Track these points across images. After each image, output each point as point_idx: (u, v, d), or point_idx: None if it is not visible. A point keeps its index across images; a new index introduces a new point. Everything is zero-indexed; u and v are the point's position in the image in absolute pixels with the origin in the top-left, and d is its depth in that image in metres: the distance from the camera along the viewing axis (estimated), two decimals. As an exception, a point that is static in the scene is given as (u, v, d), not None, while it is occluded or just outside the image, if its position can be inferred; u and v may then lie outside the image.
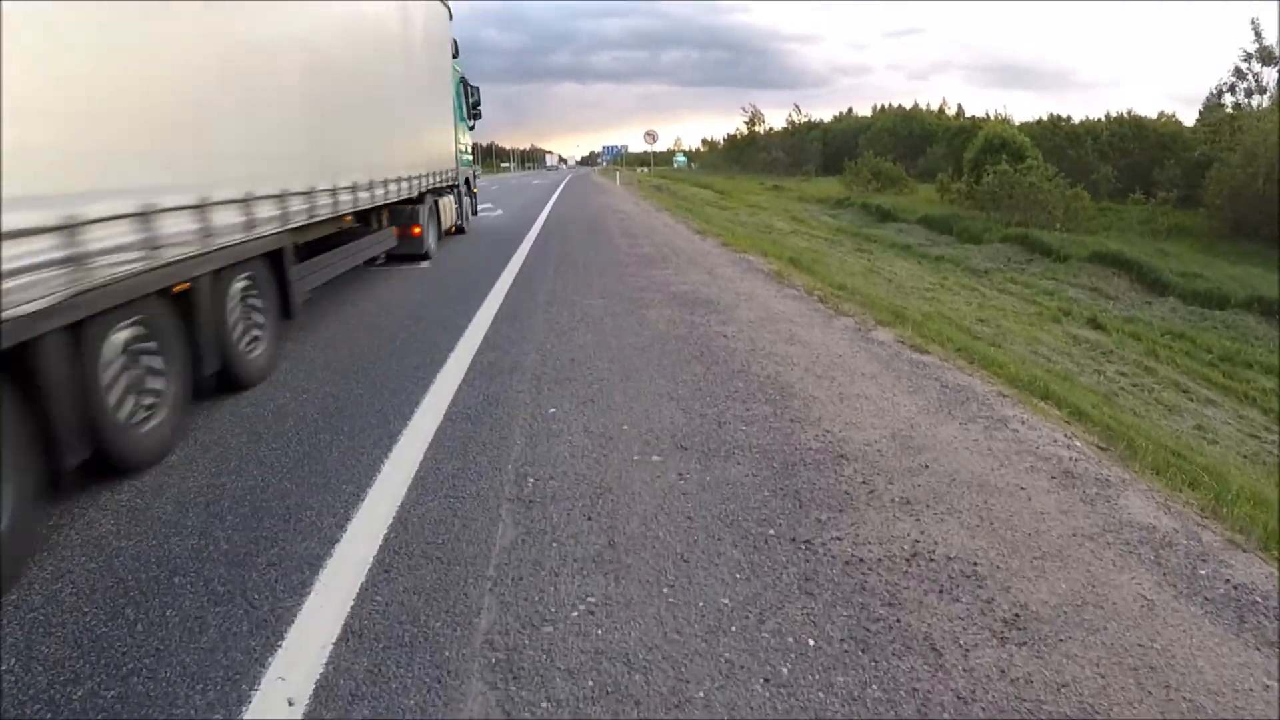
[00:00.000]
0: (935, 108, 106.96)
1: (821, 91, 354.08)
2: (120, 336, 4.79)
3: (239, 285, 6.49)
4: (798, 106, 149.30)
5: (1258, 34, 44.38)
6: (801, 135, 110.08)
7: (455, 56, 17.49)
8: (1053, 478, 4.75)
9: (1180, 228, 41.55)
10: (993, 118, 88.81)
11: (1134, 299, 28.00)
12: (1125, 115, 67.73)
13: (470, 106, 19.82)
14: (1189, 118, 70.06)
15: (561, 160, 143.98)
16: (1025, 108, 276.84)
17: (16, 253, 3.68)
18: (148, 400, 5.03)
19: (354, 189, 9.41)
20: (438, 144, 15.28)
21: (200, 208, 5.56)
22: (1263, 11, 79.56)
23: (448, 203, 16.47)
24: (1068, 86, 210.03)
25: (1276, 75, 44.08)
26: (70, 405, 4.19)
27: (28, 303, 3.77)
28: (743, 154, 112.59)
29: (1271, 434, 14.69)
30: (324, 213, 8.35)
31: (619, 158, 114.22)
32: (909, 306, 17.41)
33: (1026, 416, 5.93)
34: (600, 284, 11.50)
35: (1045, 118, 71.05)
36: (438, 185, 15.03)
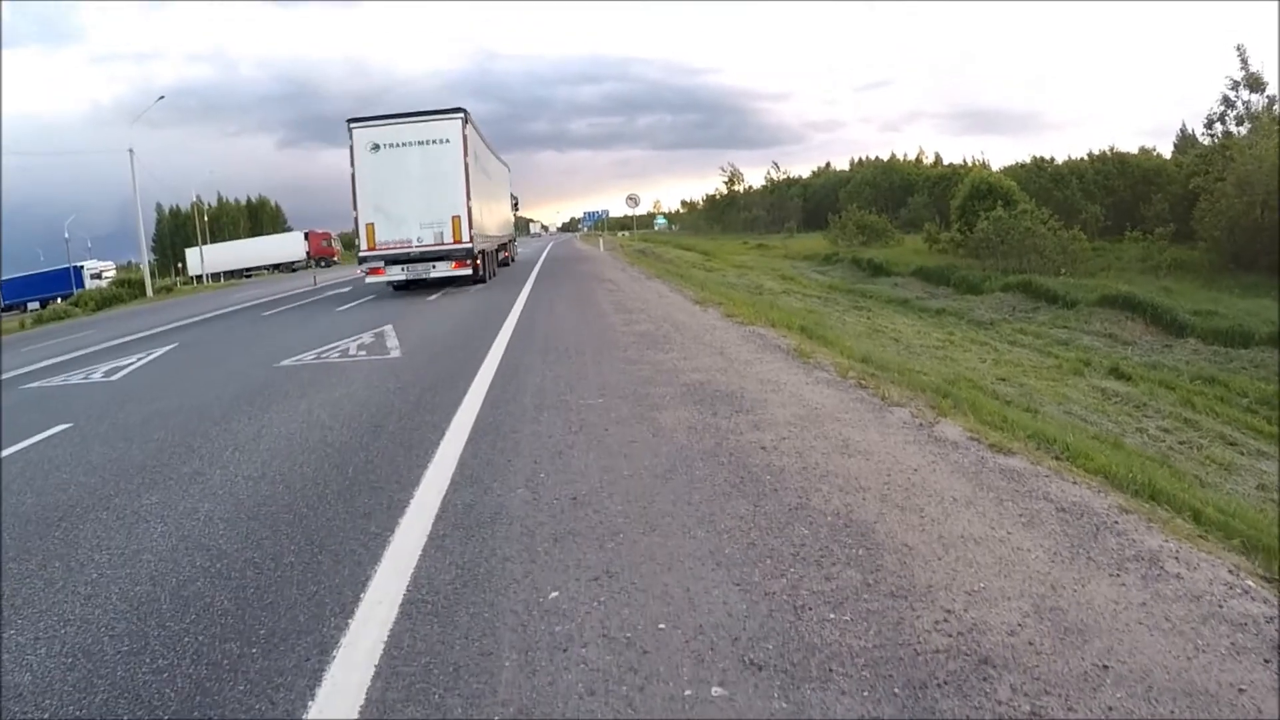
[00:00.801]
0: (912, 157, 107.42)
1: (797, 148, 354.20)
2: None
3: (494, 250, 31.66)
4: (776, 164, 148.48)
5: (1244, 60, 43.23)
6: (781, 192, 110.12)
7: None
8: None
9: (1178, 263, 40.51)
10: (971, 164, 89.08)
11: (1152, 343, 26.61)
12: (1108, 153, 67.50)
13: (514, 205, 42.67)
14: (1164, 151, 69.96)
15: (544, 228, 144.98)
16: (1000, 152, 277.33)
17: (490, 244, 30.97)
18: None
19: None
20: (508, 221, 39.45)
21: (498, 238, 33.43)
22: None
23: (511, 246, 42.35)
24: (1039, 128, 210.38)
25: (1265, 101, 42.83)
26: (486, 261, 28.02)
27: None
28: (723, 214, 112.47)
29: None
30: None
31: (600, 223, 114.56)
32: (927, 369, 16.24)
33: (1170, 546, 4.37)
34: (597, 374, 9.90)
35: (1029, 160, 70.80)
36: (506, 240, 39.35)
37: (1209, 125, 47.62)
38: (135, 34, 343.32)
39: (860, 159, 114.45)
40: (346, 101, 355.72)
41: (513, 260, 43.49)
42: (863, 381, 9.06)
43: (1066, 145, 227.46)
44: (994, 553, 4.32)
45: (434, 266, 24.91)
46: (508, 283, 26.52)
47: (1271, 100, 43.64)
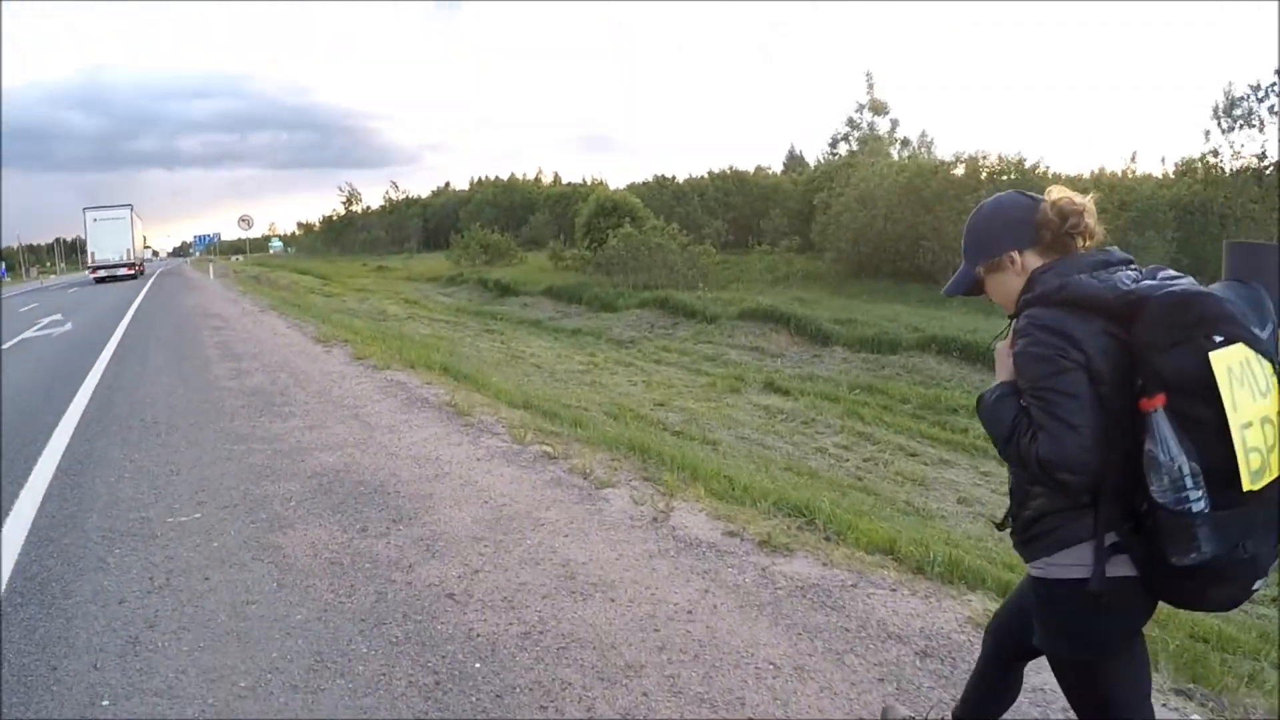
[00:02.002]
0: (532, 176, 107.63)
1: (412, 168, 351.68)
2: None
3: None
4: (394, 183, 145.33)
5: (870, 85, 46.03)
6: (400, 212, 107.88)
7: None
8: None
9: (805, 273, 41.93)
10: (591, 182, 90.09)
11: (800, 354, 26.50)
12: (728, 171, 69.89)
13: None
14: (776, 170, 73.73)
15: (154, 253, 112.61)
16: (619, 171, 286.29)
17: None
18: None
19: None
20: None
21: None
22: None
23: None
24: (660, 148, 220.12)
25: (889, 124, 45.64)
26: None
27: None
28: (341, 235, 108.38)
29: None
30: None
31: (212, 246, 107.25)
32: (585, 399, 15.32)
33: None
34: (194, 464, 7.37)
35: (651, 178, 72.09)
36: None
37: (833, 144, 49.92)
38: None
39: (480, 178, 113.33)
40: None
41: (142, 273, 55.60)
42: (546, 446, 7.25)
43: (686, 165, 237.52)
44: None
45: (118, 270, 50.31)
46: (100, 325, 22.10)
47: (895, 123, 46.37)
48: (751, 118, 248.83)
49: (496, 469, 6.66)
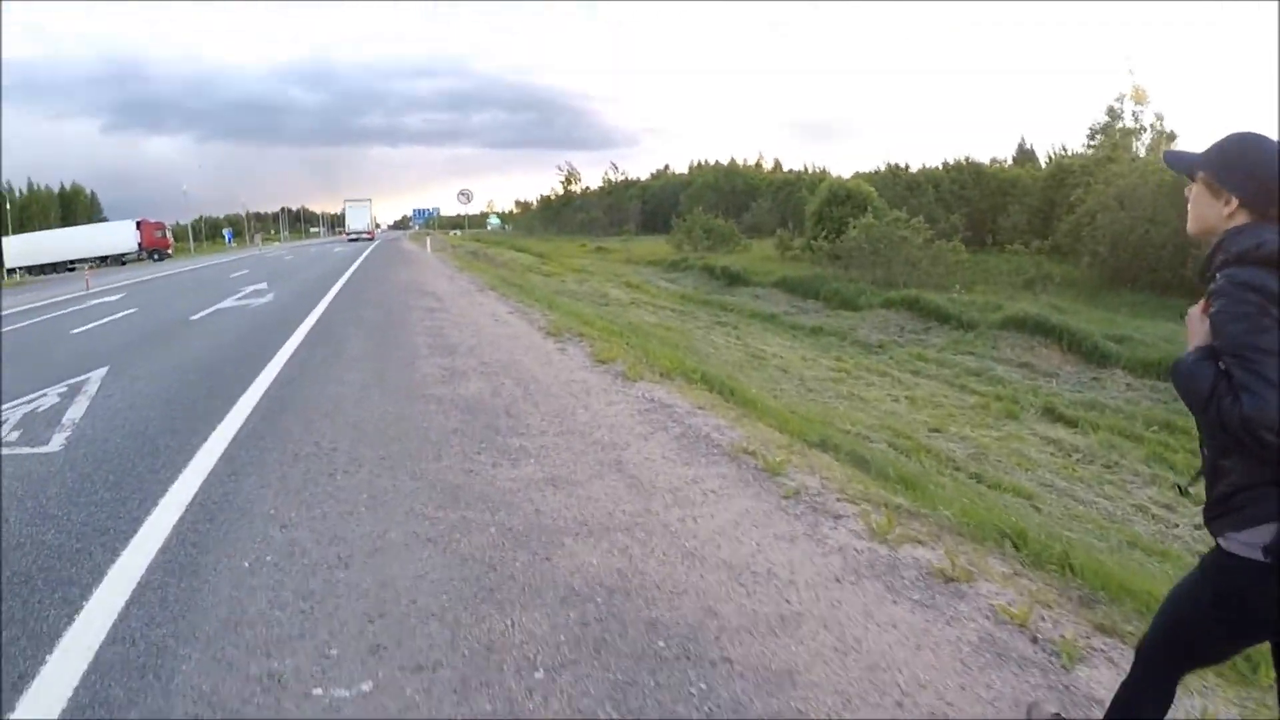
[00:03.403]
0: (752, 162, 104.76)
1: (633, 150, 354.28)
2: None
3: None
4: (614, 164, 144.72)
5: (1131, 72, 41.04)
6: (619, 194, 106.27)
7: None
8: None
9: (1053, 277, 37.25)
10: (811, 170, 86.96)
11: (1076, 375, 22.65)
12: (963, 162, 65.52)
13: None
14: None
15: (375, 222, 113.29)
16: (839, 158, 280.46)
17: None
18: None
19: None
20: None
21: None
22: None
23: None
24: (862, 138, 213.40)
25: (1153, 116, 40.64)
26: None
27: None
28: (559, 215, 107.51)
29: None
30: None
31: (431, 220, 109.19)
32: (841, 415, 14.00)
33: None
34: (374, 552, 4.63)
35: (883, 167, 68.23)
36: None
37: (1091, 136, 44.97)
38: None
39: (700, 162, 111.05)
40: (175, 85, 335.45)
41: (372, 238, 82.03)
42: (921, 547, 4.38)
43: (910, 155, 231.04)
44: None
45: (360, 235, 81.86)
46: (304, 297, 20.27)
47: (1159, 116, 41.33)
48: (977, 108, 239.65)
49: (879, 609, 3.75)
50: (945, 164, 66.08)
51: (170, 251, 73.60)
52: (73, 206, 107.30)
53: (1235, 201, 2.32)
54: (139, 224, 71.17)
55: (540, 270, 40.62)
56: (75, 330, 15.96)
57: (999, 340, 25.77)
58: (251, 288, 23.31)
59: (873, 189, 52.09)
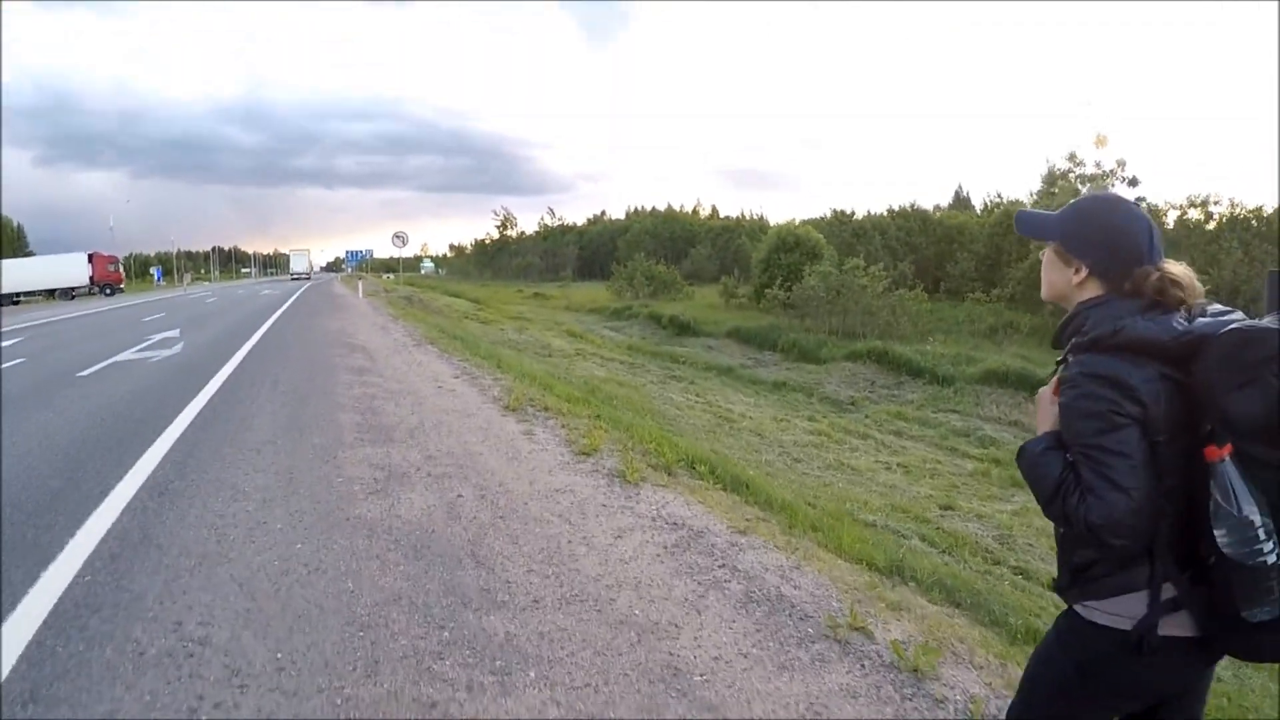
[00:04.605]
0: (689, 208, 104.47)
1: (566, 196, 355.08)
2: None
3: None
4: (550, 209, 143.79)
5: (1088, 116, 40.26)
6: (555, 239, 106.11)
7: None
8: None
9: (1018, 326, 36.01)
10: (748, 217, 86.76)
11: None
12: (909, 208, 64.92)
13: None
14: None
15: (311, 265, 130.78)
16: (775, 205, 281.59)
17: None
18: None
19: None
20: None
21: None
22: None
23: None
24: (800, 186, 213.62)
25: (1113, 163, 39.44)
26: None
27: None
28: (494, 259, 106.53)
29: None
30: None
31: (364, 263, 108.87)
32: (838, 493, 12.54)
33: None
34: None
35: (828, 214, 67.39)
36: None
37: (1050, 182, 43.72)
38: None
39: (637, 208, 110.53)
40: (110, 120, 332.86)
41: (309, 278, 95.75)
42: None
43: (846, 202, 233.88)
44: None
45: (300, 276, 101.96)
46: (216, 350, 17.25)
47: (1121, 162, 40.04)
48: (912, 154, 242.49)
49: None
50: (891, 210, 66.12)
51: (122, 286, 72.30)
52: None
53: (1085, 270, 2.20)
54: (90, 257, 69.12)
55: (477, 317, 38.42)
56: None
57: (981, 396, 24.28)
58: (161, 335, 20.36)
59: (820, 236, 50.96)
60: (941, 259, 53.79)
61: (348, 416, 9.39)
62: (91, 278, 67.75)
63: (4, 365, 15.35)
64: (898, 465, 16.64)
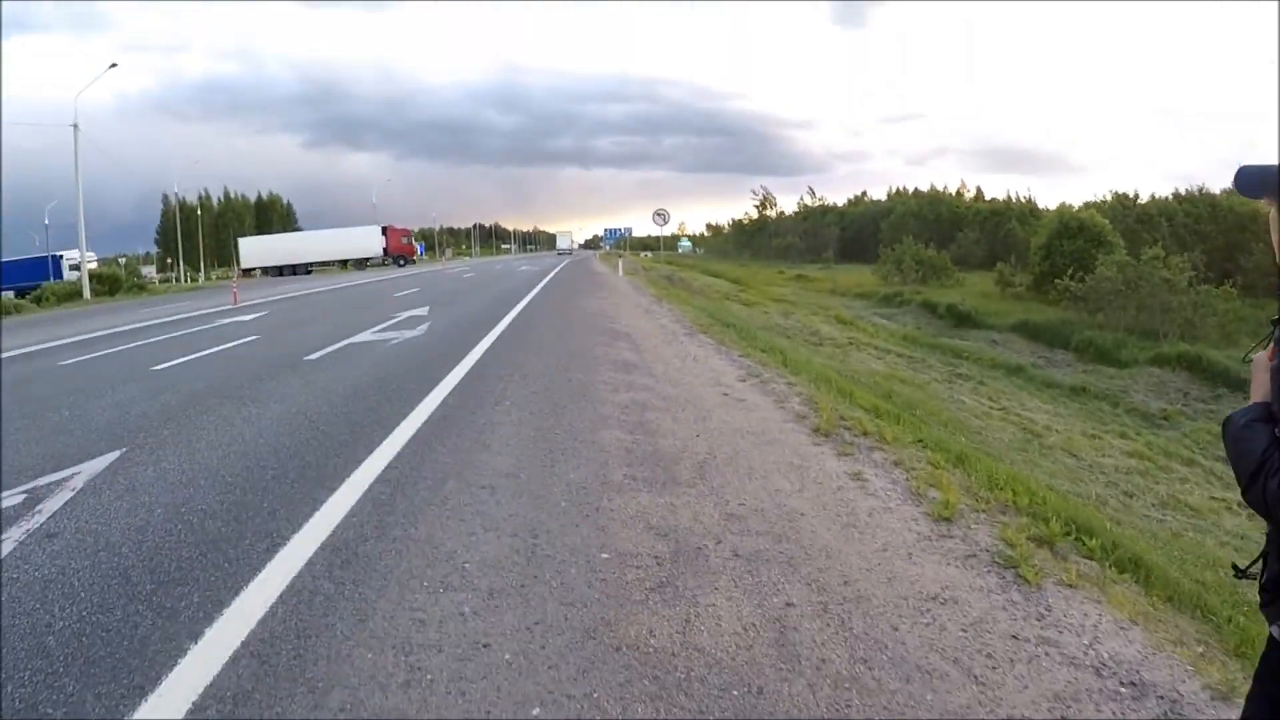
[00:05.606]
0: (951, 190, 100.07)
1: (820, 177, 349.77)
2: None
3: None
4: (811, 189, 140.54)
5: None
6: (816, 219, 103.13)
7: None
8: None
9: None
10: (1016, 200, 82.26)
11: None
12: (1197, 193, 59.36)
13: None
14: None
15: (574, 243, 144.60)
16: (1028, 191, 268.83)
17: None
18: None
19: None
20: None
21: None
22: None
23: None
24: (1062, 170, 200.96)
25: None
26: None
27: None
28: (752, 239, 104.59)
29: None
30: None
31: (622, 241, 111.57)
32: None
33: None
34: None
35: (1109, 197, 62.58)
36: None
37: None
38: (161, 27, 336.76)
39: (899, 189, 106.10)
40: (372, 106, 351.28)
41: (571, 253, 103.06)
42: None
43: (1091, 187, 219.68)
44: None
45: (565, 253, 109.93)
46: (464, 333, 15.59)
47: None
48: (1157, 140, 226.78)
49: None
50: (1177, 194, 60.78)
51: (414, 259, 78.34)
52: (268, 215, 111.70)
53: None
54: (385, 230, 73.69)
55: (739, 299, 36.60)
56: (154, 367, 12.24)
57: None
58: (408, 314, 19.20)
59: (1106, 221, 46.86)
60: (1232, 249, 48.45)
61: (613, 436, 7.32)
62: (385, 249, 71.71)
63: (232, 344, 14.36)
64: (1239, 505, 13.88)
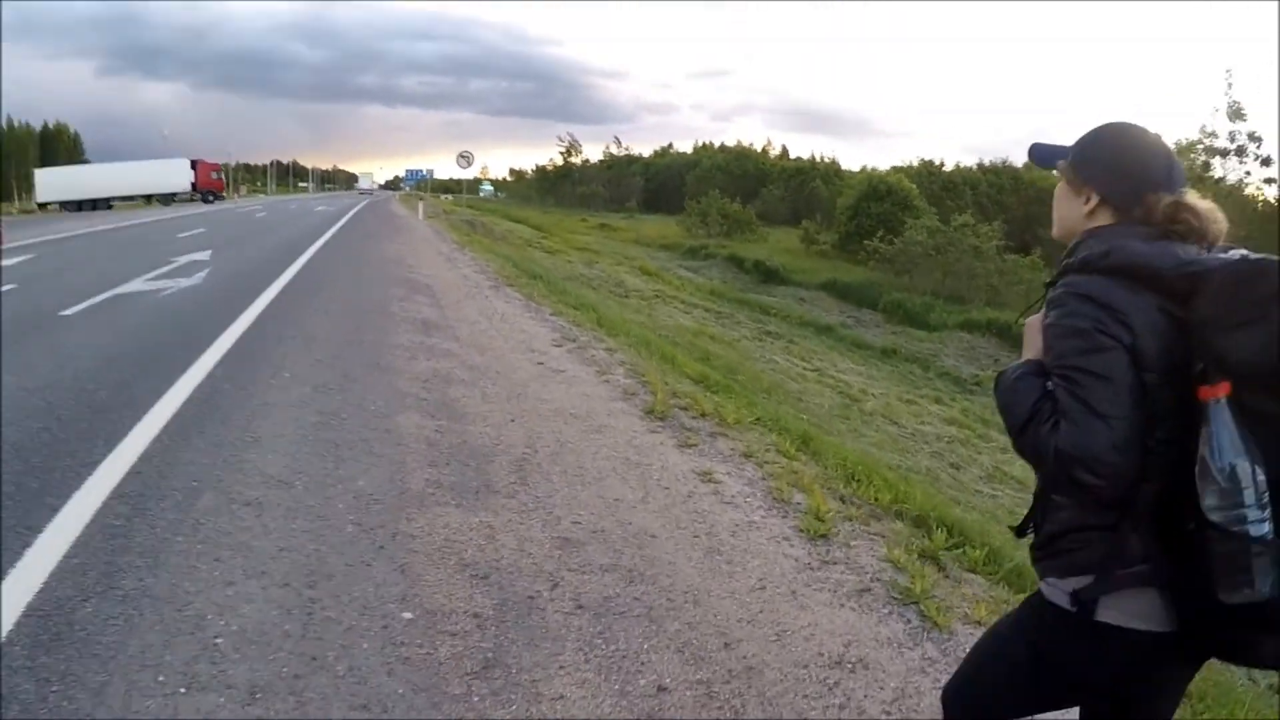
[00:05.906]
0: (759, 147, 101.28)
1: (627, 127, 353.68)
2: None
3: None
4: (618, 139, 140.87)
5: (1229, 85, 34.37)
6: (621, 169, 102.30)
7: None
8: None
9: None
10: (821, 160, 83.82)
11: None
12: (1000, 164, 61.26)
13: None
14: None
15: (375, 183, 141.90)
16: (832, 152, 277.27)
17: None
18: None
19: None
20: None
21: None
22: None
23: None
24: (866, 134, 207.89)
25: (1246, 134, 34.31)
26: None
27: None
28: (556, 186, 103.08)
29: None
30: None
31: (423, 183, 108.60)
32: None
33: None
34: None
35: (916, 163, 63.78)
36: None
37: (1179, 153, 38.57)
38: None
39: (704, 143, 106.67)
40: (173, 32, 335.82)
41: (372, 194, 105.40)
42: None
43: (894, 153, 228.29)
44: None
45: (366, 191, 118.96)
46: (249, 279, 13.90)
47: (1256, 137, 34.71)
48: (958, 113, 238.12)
49: None
50: (981, 164, 63.27)
51: (224, 194, 74.68)
52: (53, 147, 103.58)
53: (1095, 198, 1.95)
54: (194, 163, 68.97)
55: (542, 246, 35.70)
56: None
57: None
58: (187, 258, 16.98)
59: (913, 186, 47.90)
60: (1031, 221, 49.69)
61: (412, 421, 6.04)
62: (194, 183, 67.44)
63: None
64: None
